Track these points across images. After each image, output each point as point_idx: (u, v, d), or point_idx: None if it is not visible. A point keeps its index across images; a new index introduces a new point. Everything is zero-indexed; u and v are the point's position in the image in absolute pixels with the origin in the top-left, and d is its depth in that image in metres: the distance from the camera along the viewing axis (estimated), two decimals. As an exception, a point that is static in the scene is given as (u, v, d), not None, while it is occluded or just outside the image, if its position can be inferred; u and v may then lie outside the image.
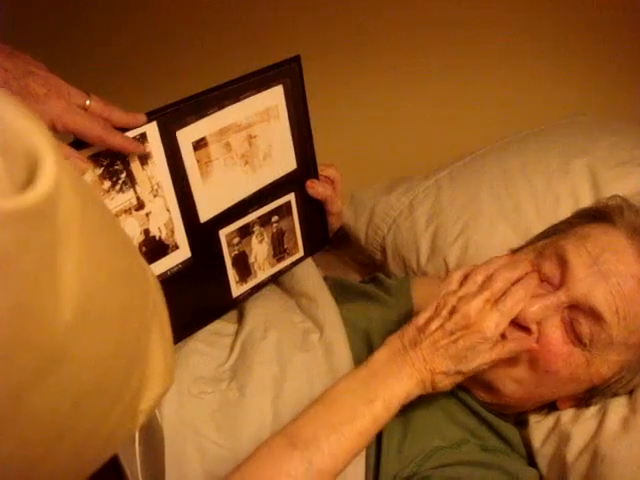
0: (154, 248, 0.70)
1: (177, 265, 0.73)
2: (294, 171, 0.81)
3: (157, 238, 0.70)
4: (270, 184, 0.79)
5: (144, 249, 0.69)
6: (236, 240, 0.79)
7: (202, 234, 0.74)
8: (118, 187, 0.65)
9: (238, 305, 0.85)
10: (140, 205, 0.67)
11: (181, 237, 0.72)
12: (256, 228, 0.80)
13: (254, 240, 0.81)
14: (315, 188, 0.84)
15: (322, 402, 0.63)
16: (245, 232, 0.79)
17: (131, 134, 0.64)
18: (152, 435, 0.66)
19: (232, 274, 0.80)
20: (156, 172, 0.67)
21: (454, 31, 1.36)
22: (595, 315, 0.67)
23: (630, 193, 0.81)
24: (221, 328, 0.82)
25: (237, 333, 0.81)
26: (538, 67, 1.35)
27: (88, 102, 0.60)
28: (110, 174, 0.64)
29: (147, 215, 0.68)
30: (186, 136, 0.68)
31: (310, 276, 0.88)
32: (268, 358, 0.76)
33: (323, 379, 0.73)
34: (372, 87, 1.42)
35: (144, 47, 1.45)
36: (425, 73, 1.40)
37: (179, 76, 1.28)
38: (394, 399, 0.63)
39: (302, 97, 0.77)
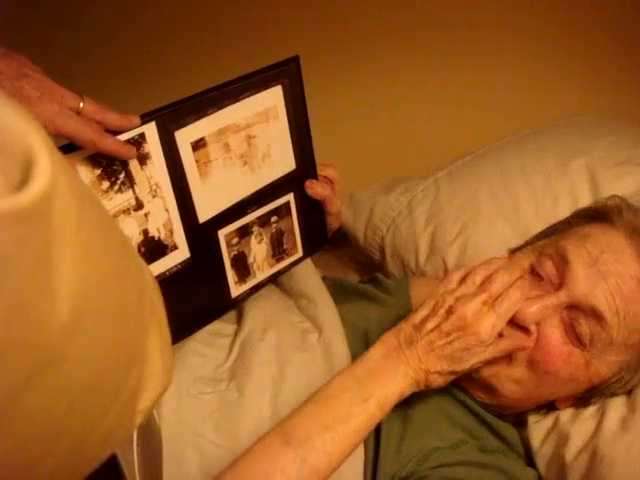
0: (153, 248, 0.70)
1: (176, 265, 0.73)
2: (293, 171, 0.81)
3: (156, 238, 0.70)
4: (269, 184, 0.79)
5: (143, 249, 0.69)
6: (235, 240, 0.79)
7: (201, 234, 0.75)
8: (117, 187, 0.65)
9: (237, 305, 0.85)
10: (139, 205, 0.67)
11: (180, 237, 0.72)
12: (255, 228, 0.80)
13: (253, 240, 0.81)
14: (314, 188, 0.84)
15: (317, 400, 0.63)
16: (244, 232, 0.79)
17: (130, 134, 0.64)
18: (150, 435, 0.66)
19: (231, 274, 0.80)
20: (155, 172, 0.67)
21: (452, 31, 1.36)
22: (596, 315, 0.67)
23: (629, 193, 0.81)
24: (220, 329, 0.82)
25: (236, 333, 0.81)
26: (538, 67, 1.35)
27: (81, 105, 0.59)
28: (109, 174, 0.64)
29: (146, 215, 0.68)
30: (185, 136, 0.68)
31: (309, 276, 0.88)
32: (267, 358, 0.76)
33: (322, 379, 0.73)
34: (371, 87, 1.42)
35: (143, 47, 1.45)
36: (424, 73, 1.40)
37: (178, 76, 1.28)
38: (388, 398, 0.63)
39: (301, 97, 0.77)
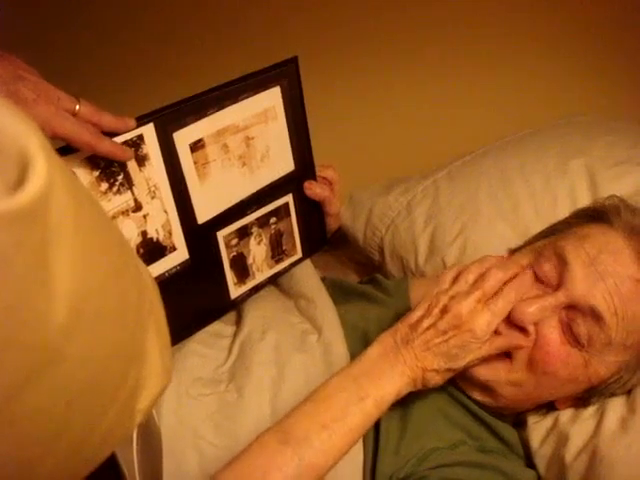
0: (152, 250, 0.70)
1: (175, 267, 0.73)
2: (292, 172, 0.81)
3: (155, 240, 0.70)
4: (268, 185, 0.79)
5: (142, 251, 0.69)
6: (234, 241, 0.79)
7: (200, 235, 0.75)
8: (115, 189, 0.65)
9: (236, 307, 0.85)
10: (137, 207, 0.67)
11: (179, 239, 0.72)
12: (254, 229, 0.80)
13: (252, 241, 0.81)
14: (313, 189, 0.84)
15: (314, 399, 0.63)
16: (243, 233, 0.79)
17: (128, 136, 0.64)
18: (150, 435, 0.67)
19: (230, 276, 0.80)
20: (153, 174, 0.67)
21: (452, 31, 1.36)
22: (594, 315, 0.67)
23: (628, 193, 0.81)
24: (219, 330, 0.82)
25: (235, 334, 0.81)
26: (538, 67, 1.35)
27: (77, 107, 0.59)
28: (107, 176, 0.64)
29: (144, 217, 0.68)
30: (183, 137, 0.68)
31: (308, 277, 0.88)
32: (266, 359, 0.76)
33: (321, 380, 0.73)
34: (370, 87, 1.42)
35: (142, 47, 1.45)
36: (423, 73, 1.40)
37: (177, 76, 1.28)
38: (385, 397, 0.64)
39: (300, 98, 0.77)
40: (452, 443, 0.71)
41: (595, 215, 0.75)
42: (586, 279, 0.67)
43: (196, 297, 0.78)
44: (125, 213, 0.66)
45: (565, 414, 0.75)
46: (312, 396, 0.64)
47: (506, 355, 0.69)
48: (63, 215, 0.28)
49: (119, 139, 0.63)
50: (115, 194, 0.65)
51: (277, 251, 0.85)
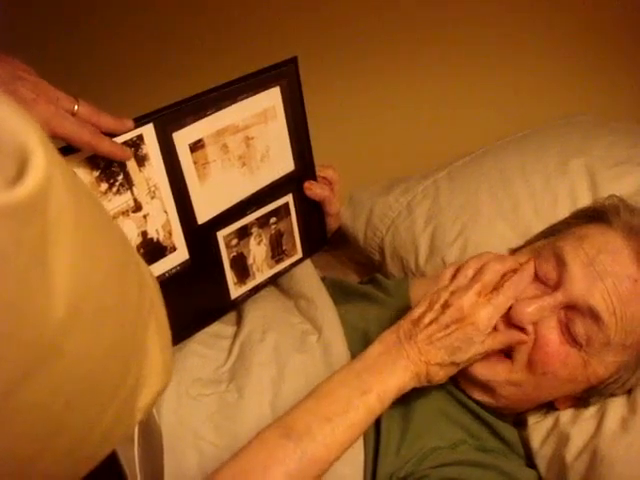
0: (152, 250, 0.70)
1: (175, 267, 0.73)
2: (292, 172, 0.81)
3: (155, 240, 0.70)
4: (268, 185, 0.79)
5: (142, 251, 0.69)
6: (234, 242, 0.79)
7: (200, 236, 0.74)
8: (115, 189, 0.65)
9: (236, 307, 0.85)
10: (137, 207, 0.67)
11: (179, 239, 0.72)
12: (254, 230, 0.80)
13: (252, 242, 0.81)
14: (313, 189, 0.84)
15: (316, 395, 0.63)
16: (243, 234, 0.79)
17: (128, 136, 0.64)
18: (151, 434, 0.67)
19: (230, 276, 0.80)
20: (153, 174, 0.67)
21: (452, 31, 1.36)
22: (593, 315, 0.67)
23: (628, 193, 0.81)
24: (219, 330, 0.82)
25: (235, 335, 0.81)
26: (538, 67, 1.35)
27: (76, 107, 0.59)
28: (107, 176, 0.64)
29: (144, 217, 0.68)
30: (183, 138, 0.68)
31: (308, 277, 0.88)
32: (266, 360, 0.76)
33: (321, 380, 0.73)
34: (370, 87, 1.42)
35: (142, 47, 1.45)
36: (423, 73, 1.40)
37: (177, 77, 1.28)
38: (388, 391, 0.63)
39: (299, 98, 0.77)
40: (453, 442, 0.71)
41: (594, 215, 0.75)
42: (585, 279, 0.67)
43: (196, 297, 0.78)
44: (125, 213, 0.66)
45: (566, 414, 0.75)
46: (314, 392, 0.64)
47: (506, 356, 0.70)
48: (62, 210, 0.28)
49: (119, 139, 0.63)
50: (115, 194, 0.65)
51: (277, 251, 0.85)
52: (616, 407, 0.71)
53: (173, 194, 0.70)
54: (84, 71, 1.40)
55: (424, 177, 1.03)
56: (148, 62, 1.43)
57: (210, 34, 1.44)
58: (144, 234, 0.69)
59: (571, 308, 0.68)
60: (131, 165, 0.65)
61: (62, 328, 0.29)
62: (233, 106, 0.71)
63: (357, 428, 0.62)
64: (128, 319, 0.35)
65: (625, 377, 0.70)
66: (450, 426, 0.73)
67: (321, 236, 0.92)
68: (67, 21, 1.44)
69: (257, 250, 0.82)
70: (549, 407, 0.77)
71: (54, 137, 0.57)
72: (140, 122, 0.65)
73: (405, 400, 0.70)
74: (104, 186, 0.64)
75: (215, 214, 0.75)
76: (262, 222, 0.81)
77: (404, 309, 0.84)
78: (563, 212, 0.84)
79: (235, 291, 0.82)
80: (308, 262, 0.90)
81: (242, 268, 0.81)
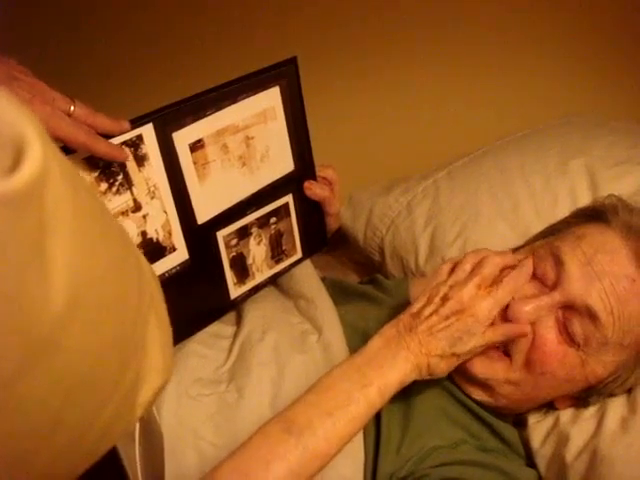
0: (151, 250, 0.70)
1: (175, 267, 0.73)
2: (292, 172, 0.81)
3: (154, 240, 0.70)
4: (268, 185, 0.79)
5: (141, 251, 0.69)
6: (234, 242, 0.79)
7: (200, 236, 0.74)
8: (115, 189, 0.65)
9: (236, 307, 0.85)
10: (137, 207, 0.67)
11: (178, 239, 0.72)
12: (254, 230, 0.80)
13: (252, 242, 0.81)
14: (313, 189, 0.84)
15: (317, 389, 0.63)
16: (243, 234, 0.79)
17: (127, 136, 0.64)
18: (151, 433, 0.67)
19: (230, 276, 0.80)
20: (153, 174, 0.67)
21: (452, 31, 1.36)
22: (590, 315, 0.67)
23: (628, 192, 0.81)
24: (219, 330, 0.82)
25: (235, 335, 0.81)
26: (538, 67, 1.35)
27: (72, 108, 0.59)
28: (107, 176, 0.64)
29: (144, 217, 0.68)
30: (183, 138, 0.68)
31: (308, 277, 0.88)
32: (266, 360, 0.76)
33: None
34: (370, 87, 1.42)
35: (142, 47, 1.45)
36: (423, 73, 1.40)
37: (177, 76, 1.28)
38: (389, 385, 0.63)
39: (299, 98, 0.77)
40: (453, 442, 0.71)
41: (593, 214, 0.75)
42: (582, 279, 0.67)
43: (196, 297, 0.77)
44: (125, 213, 0.66)
45: (566, 414, 0.75)
46: (314, 387, 0.64)
47: (505, 354, 0.70)
48: (60, 201, 0.28)
49: (118, 139, 0.63)
50: (114, 194, 0.65)
51: (277, 251, 0.84)
52: (616, 407, 0.71)
53: (173, 194, 0.70)
54: (84, 71, 1.40)
55: (424, 177, 1.03)
56: (148, 62, 1.43)
57: (210, 34, 1.44)
58: (144, 234, 0.69)
59: (569, 308, 0.68)
60: (131, 165, 0.65)
61: (60, 322, 0.28)
62: (233, 106, 0.71)
63: (358, 422, 0.62)
64: (128, 314, 0.35)
65: (624, 376, 0.70)
66: (451, 426, 0.73)
67: (321, 236, 0.92)
68: (67, 21, 1.44)
69: (257, 250, 0.82)
70: (549, 407, 0.77)
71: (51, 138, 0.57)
72: (140, 122, 0.65)
73: (406, 399, 0.70)
74: (103, 186, 0.64)
75: (215, 214, 0.75)
76: (262, 222, 0.81)
77: (404, 309, 0.84)
78: (563, 212, 0.85)
79: (235, 291, 0.82)
80: (308, 262, 0.90)
81: (242, 268, 0.81)
